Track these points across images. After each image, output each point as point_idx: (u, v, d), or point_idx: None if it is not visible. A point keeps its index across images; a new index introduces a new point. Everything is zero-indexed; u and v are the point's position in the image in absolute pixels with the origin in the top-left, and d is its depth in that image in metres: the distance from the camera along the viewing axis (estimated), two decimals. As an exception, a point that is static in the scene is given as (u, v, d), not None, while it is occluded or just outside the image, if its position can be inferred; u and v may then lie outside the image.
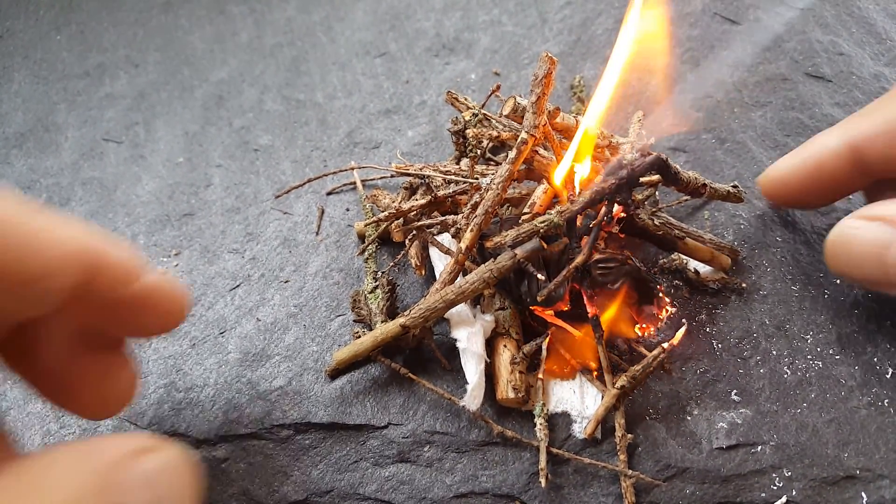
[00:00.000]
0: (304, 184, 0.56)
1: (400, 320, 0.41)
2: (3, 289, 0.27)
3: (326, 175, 0.56)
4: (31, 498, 0.24)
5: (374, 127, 0.62)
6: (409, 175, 0.50)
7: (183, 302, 0.35)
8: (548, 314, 0.43)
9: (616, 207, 0.42)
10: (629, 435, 0.40)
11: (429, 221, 0.46)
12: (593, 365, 0.43)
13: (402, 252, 0.47)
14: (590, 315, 0.41)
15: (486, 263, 0.41)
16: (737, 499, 0.38)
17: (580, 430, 0.41)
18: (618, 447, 0.39)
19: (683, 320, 0.44)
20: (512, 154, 0.43)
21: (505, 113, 0.45)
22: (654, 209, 0.48)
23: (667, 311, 0.44)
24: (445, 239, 0.47)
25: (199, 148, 0.63)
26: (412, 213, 0.47)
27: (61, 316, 0.33)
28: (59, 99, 0.70)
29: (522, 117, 0.44)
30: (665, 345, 0.42)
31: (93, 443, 0.27)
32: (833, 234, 0.41)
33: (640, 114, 0.53)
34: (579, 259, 0.40)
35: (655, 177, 0.44)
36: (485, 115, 0.47)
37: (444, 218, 0.46)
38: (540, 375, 0.42)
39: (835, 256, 0.41)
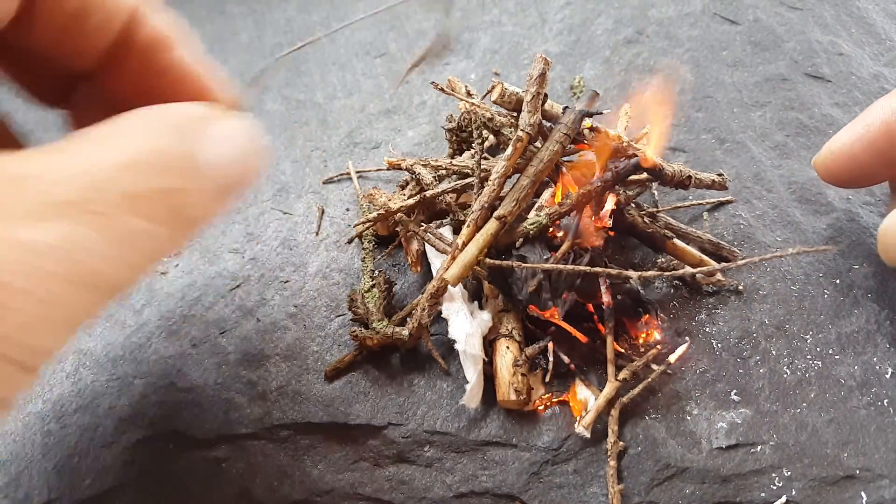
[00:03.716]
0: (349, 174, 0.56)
1: (496, 213, 0.41)
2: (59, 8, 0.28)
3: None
4: (110, 146, 0.23)
5: (374, 127, 0.62)
6: (400, 169, 0.51)
7: (221, 89, 0.34)
8: (548, 314, 0.43)
9: (610, 203, 0.43)
10: (621, 442, 0.40)
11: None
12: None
13: (390, 247, 0.48)
14: (604, 305, 0.42)
15: (556, 128, 0.43)
16: (736, 499, 0.38)
17: (581, 430, 0.41)
18: (609, 453, 0.39)
19: (687, 337, 0.44)
20: (509, 150, 0.43)
21: (493, 99, 0.45)
22: (653, 209, 0.48)
23: (651, 333, 0.44)
24: (446, 232, 0.47)
25: (199, 148, 0.63)
26: (401, 212, 0.47)
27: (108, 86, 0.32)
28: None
29: (510, 103, 0.45)
30: (670, 358, 0.42)
31: (165, 106, 0.27)
32: (886, 222, 0.40)
33: (628, 107, 0.53)
34: (564, 246, 0.41)
35: (643, 175, 0.45)
36: (473, 103, 0.47)
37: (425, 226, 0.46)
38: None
39: (891, 246, 0.39)
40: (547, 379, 0.42)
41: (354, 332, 0.44)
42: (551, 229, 0.44)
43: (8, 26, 0.28)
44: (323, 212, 0.55)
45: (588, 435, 0.40)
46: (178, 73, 0.33)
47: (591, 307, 0.44)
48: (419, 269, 0.48)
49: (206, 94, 0.34)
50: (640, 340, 0.44)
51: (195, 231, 0.26)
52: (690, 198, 0.52)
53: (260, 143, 0.31)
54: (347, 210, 0.55)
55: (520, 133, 0.43)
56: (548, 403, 0.42)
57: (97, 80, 0.33)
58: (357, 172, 0.57)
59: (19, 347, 0.19)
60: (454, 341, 0.42)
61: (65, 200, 0.21)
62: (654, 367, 0.42)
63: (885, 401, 0.41)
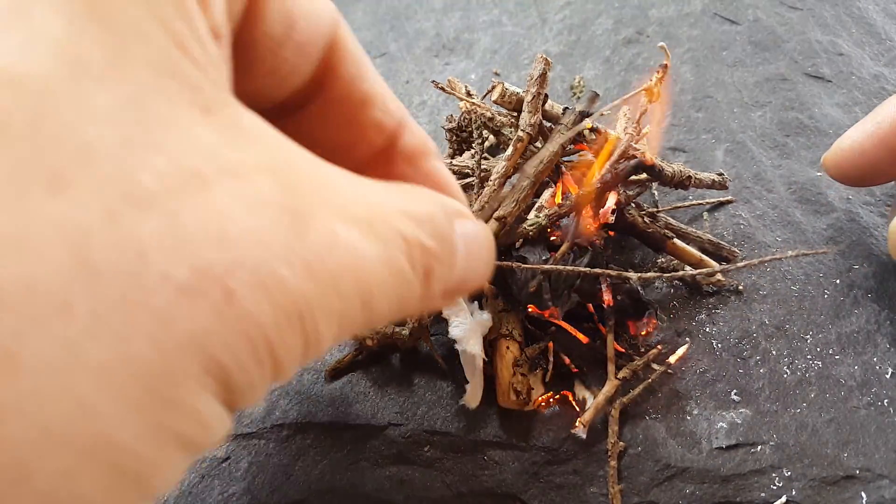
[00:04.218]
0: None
1: (496, 214, 0.41)
2: (344, 109, 0.27)
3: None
4: (396, 195, 0.23)
5: (374, 127, 0.62)
6: None
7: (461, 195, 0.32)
8: (547, 314, 0.43)
9: (611, 201, 0.43)
10: (621, 442, 0.40)
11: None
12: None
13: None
14: (605, 305, 0.42)
15: (557, 129, 0.43)
16: (736, 499, 0.38)
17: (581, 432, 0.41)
18: (609, 453, 0.39)
19: (687, 338, 0.44)
20: (509, 150, 0.43)
21: (494, 99, 0.45)
22: (653, 209, 0.48)
23: (651, 332, 0.44)
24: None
25: (200, 148, 0.63)
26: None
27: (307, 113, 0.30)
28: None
29: (511, 103, 0.45)
30: (670, 358, 0.43)
31: (432, 192, 0.26)
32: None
33: (627, 108, 0.53)
34: (564, 247, 0.41)
35: (643, 175, 0.45)
36: (474, 103, 0.47)
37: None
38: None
39: None
40: (547, 379, 0.42)
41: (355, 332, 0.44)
42: (550, 231, 0.44)
43: (295, 100, 0.27)
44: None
45: (584, 436, 0.40)
46: (432, 181, 0.32)
47: (591, 307, 0.44)
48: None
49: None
50: (641, 340, 0.44)
51: (428, 307, 0.26)
52: (690, 198, 0.52)
53: (493, 249, 0.30)
54: (347, 210, 0.55)
55: (520, 133, 0.43)
56: (549, 402, 0.42)
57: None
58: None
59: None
60: (454, 341, 0.42)
61: (360, 217, 0.20)
62: (655, 366, 0.42)
63: (886, 401, 0.41)
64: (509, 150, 0.43)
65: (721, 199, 0.52)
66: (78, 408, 0.13)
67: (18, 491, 0.13)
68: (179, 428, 0.15)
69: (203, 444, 0.16)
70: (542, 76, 0.43)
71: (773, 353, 0.43)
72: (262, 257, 0.17)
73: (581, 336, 0.43)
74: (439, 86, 0.48)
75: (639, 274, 0.41)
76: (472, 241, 0.27)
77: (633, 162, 0.42)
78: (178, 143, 0.16)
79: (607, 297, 0.42)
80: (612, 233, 0.46)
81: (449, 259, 0.25)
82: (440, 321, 0.44)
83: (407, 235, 0.22)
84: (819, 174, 0.52)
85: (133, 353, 0.14)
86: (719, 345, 0.44)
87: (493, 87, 0.45)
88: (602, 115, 0.45)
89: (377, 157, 0.30)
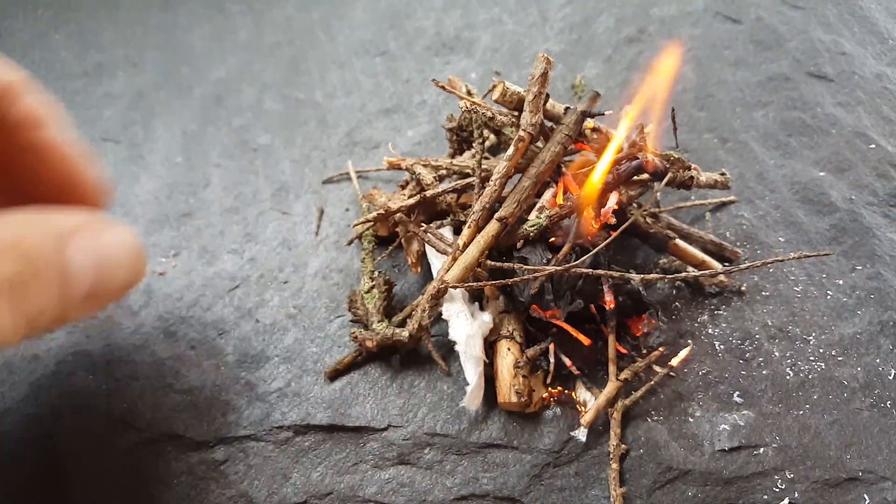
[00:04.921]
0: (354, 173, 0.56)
1: (497, 214, 0.41)
2: None
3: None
4: None
5: (373, 126, 0.62)
6: (400, 169, 0.50)
7: (95, 181, 0.36)
8: (549, 314, 0.43)
9: (613, 201, 0.42)
10: (623, 445, 0.39)
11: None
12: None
13: (390, 248, 0.47)
14: (607, 307, 0.41)
15: (558, 129, 0.43)
16: (739, 501, 0.38)
17: (582, 434, 0.40)
18: (611, 456, 0.39)
19: (689, 340, 0.44)
20: (510, 150, 0.43)
21: (494, 98, 0.45)
22: (655, 210, 0.47)
23: (649, 329, 0.44)
24: (446, 232, 0.47)
25: (198, 147, 0.62)
26: (401, 212, 0.47)
27: None
28: (57, 98, 0.70)
29: (512, 102, 0.44)
30: (672, 361, 0.42)
31: (47, 214, 0.29)
32: None
33: (629, 108, 0.53)
34: (566, 248, 0.41)
35: (644, 175, 0.44)
36: (475, 102, 0.47)
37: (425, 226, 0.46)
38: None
39: None
40: (548, 381, 0.42)
41: (354, 333, 0.44)
42: (551, 233, 0.43)
43: None
44: (322, 212, 0.55)
45: (584, 439, 0.40)
46: (49, 151, 0.34)
47: (593, 308, 0.43)
48: (419, 269, 0.47)
49: (75, 174, 0.36)
50: (642, 342, 0.44)
51: (41, 329, 0.29)
52: (693, 198, 0.52)
53: (135, 254, 0.33)
54: (347, 210, 0.55)
55: (521, 133, 0.42)
56: (550, 403, 0.42)
57: None
58: (357, 172, 0.57)
59: None
60: (455, 343, 0.41)
61: None
62: (657, 368, 0.42)
63: (888, 403, 0.41)
64: (510, 150, 0.43)
65: (723, 199, 0.51)
66: None
67: None
68: None
69: None
70: (544, 75, 0.43)
71: (776, 354, 0.43)
72: None
73: (583, 337, 0.42)
74: (439, 84, 0.48)
75: (641, 275, 0.40)
76: (101, 252, 0.31)
77: (633, 163, 0.42)
78: None
79: (609, 299, 0.42)
80: (612, 232, 0.46)
81: (47, 282, 0.28)
82: (441, 322, 0.44)
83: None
84: (822, 174, 0.52)
85: None
86: (721, 346, 0.44)
87: (494, 86, 0.45)
88: (602, 114, 0.44)
89: None
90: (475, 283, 0.41)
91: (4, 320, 0.26)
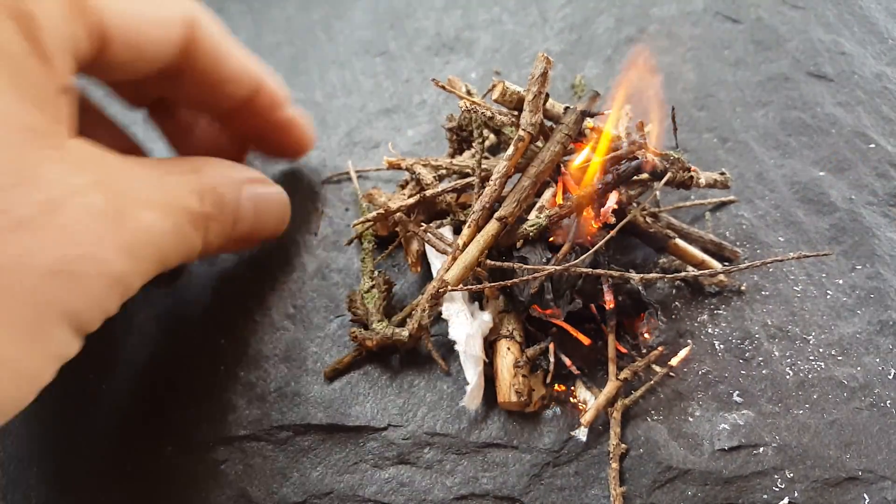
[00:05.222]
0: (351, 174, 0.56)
1: (497, 214, 0.42)
2: (206, 81, 0.39)
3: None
4: (189, 174, 0.35)
5: (373, 126, 0.62)
6: (400, 169, 0.50)
7: (311, 135, 0.51)
8: (549, 313, 0.43)
9: (612, 200, 0.42)
10: (623, 444, 0.40)
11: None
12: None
13: (390, 247, 0.47)
14: (607, 307, 0.41)
15: (557, 128, 0.44)
16: (738, 501, 0.38)
17: (582, 434, 0.40)
18: (610, 455, 0.39)
19: (689, 339, 0.44)
20: (510, 150, 0.43)
21: (494, 98, 0.45)
22: (655, 209, 0.47)
23: (648, 329, 0.44)
24: (446, 232, 0.47)
25: (198, 147, 0.62)
26: (400, 212, 0.47)
27: (231, 123, 0.46)
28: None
29: (511, 102, 0.44)
30: (672, 361, 0.42)
31: (229, 163, 0.40)
32: None
33: (628, 107, 0.53)
34: (565, 248, 0.41)
35: (644, 175, 0.44)
36: (475, 101, 0.47)
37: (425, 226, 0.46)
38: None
39: None
40: (548, 380, 0.42)
41: (354, 332, 0.44)
42: (550, 232, 0.44)
43: (164, 77, 0.38)
44: (322, 212, 0.55)
45: (584, 439, 0.40)
46: (289, 122, 0.48)
47: (593, 308, 0.43)
48: (419, 269, 0.47)
49: (303, 136, 0.51)
50: (642, 341, 0.44)
51: (211, 252, 0.38)
52: (693, 197, 0.52)
53: (284, 207, 0.46)
54: (347, 210, 0.55)
55: (521, 133, 0.42)
56: (550, 403, 0.42)
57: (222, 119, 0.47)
58: (356, 172, 0.57)
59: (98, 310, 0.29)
60: (454, 342, 0.41)
61: (158, 202, 0.32)
62: (657, 368, 0.42)
63: (888, 402, 0.41)
64: (510, 150, 0.43)
65: (723, 198, 0.51)
66: None
67: None
68: (48, 349, 0.27)
69: (65, 356, 0.28)
70: (544, 75, 0.43)
71: (776, 354, 0.43)
72: (96, 249, 0.28)
73: (582, 337, 0.43)
74: (439, 84, 0.48)
75: (641, 275, 0.40)
76: (261, 201, 0.41)
77: (633, 163, 0.42)
78: (30, 181, 0.26)
79: (609, 298, 0.42)
80: (612, 232, 0.46)
81: (227, 217, 0.37)
82: (441, 322, 0.44)
83: (191, 208, 0.34)
84: (822, 173, 0.52)
85: (10, 307, 0.25)
86: (721, 346, 0.44)
87: (494, 86, 0.45)
88: (602, 114, 0.44)
89: (240, 109, 0.43)
90: (475, 286, 0.41)
91: (196, 244, 0.35)
